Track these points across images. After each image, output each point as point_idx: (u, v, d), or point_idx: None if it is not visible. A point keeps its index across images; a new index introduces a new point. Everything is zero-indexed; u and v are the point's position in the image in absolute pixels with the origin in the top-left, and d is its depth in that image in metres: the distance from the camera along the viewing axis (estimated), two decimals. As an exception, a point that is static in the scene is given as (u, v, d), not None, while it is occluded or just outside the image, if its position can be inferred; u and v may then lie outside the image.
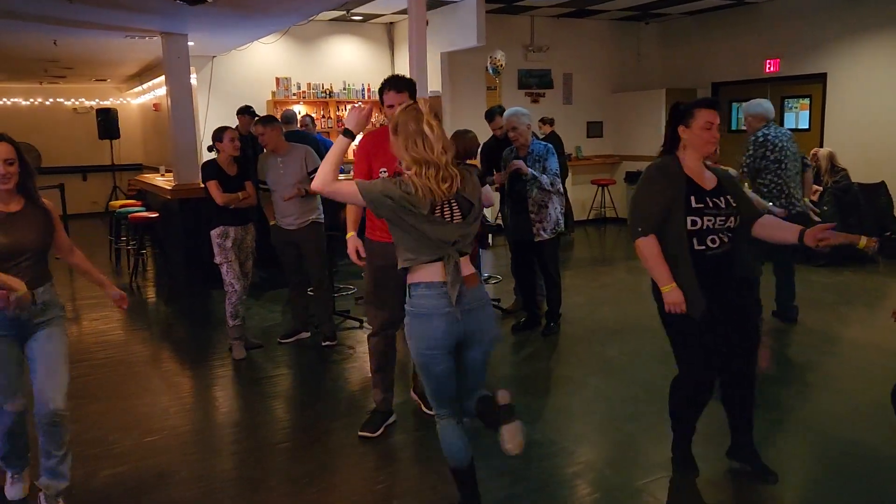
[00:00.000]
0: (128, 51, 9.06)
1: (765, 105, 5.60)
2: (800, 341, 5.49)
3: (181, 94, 7.98)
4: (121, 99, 14.95)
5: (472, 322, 2.74)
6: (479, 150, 6.28)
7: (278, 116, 7.74)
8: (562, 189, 5.62)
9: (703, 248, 3.11)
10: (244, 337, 5.46)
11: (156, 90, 13.08)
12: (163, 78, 11.65)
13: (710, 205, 3.11)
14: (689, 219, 3.08)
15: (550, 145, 5.60)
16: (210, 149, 5.55)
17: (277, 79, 10.38)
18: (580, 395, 4.50)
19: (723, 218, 3.13)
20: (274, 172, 5.40)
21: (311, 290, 5.80)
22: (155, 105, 12.46)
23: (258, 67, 10.35)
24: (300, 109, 10.48)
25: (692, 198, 3.10)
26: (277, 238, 5.58)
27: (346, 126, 3.00)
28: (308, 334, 5.78)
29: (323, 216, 5.57)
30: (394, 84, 3.62)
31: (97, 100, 14.63)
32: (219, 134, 5.24)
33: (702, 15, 11.01)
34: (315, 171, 5.42)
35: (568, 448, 3.75)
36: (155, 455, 3.75)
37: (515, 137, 5.51)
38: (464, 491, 3.00)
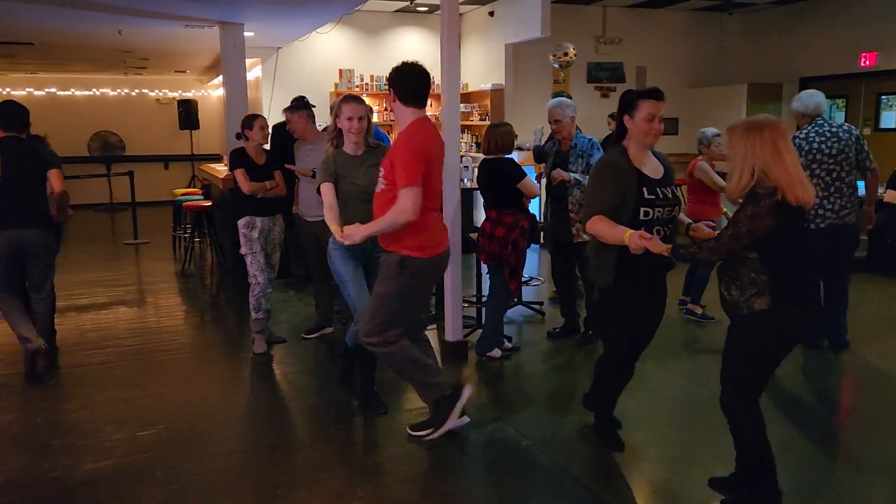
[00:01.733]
0: (192, 41, 9.16)
1: (804, 100, 4.95)
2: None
3: (236, 84, 7.98)
4: (202, 91, 15.34)
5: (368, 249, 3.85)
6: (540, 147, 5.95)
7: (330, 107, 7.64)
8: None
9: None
10: (266, 331, 5.33)
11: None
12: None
13: (660, 195, 3.18)
14: (641, 209, 3.14)
15: (595, 140, 5.20)
16: (238, 136, 5.45)
17: (340, 70, 10.30)
18: (618, 416, 4.07)
19: (669, 208, 3.22)
20: (302, 160, 5.31)
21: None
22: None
23: (322, 59, 10.30)
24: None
25: (644, 189, 3.15)
26: (301, 229, 5.47)
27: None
28: (331, 329, 5.61)
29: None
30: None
31: (179, 91, 15.06)
32: (248, 121, 5.13)
33: (790, 5, 10.21)
34: None
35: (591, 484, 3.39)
36: (141, 451, 3.64)
37: (558, 130, 5.15)
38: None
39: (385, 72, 10.80)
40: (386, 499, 3.18)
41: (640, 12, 10.66)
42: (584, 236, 5.13)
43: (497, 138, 4.87)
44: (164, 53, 10.74)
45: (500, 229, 4.77)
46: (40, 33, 8.79)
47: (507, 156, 4.92)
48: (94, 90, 14.64)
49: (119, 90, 14.79)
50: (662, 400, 4.31)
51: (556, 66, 9.24)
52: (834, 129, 4.83)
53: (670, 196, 3.22)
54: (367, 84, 10.41)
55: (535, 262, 8.20)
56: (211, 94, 15.24)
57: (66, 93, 14.43)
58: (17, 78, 14.10)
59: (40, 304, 4.97)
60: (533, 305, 6.18)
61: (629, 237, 2.99)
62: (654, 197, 3.15)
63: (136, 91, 14.91)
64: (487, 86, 9.95)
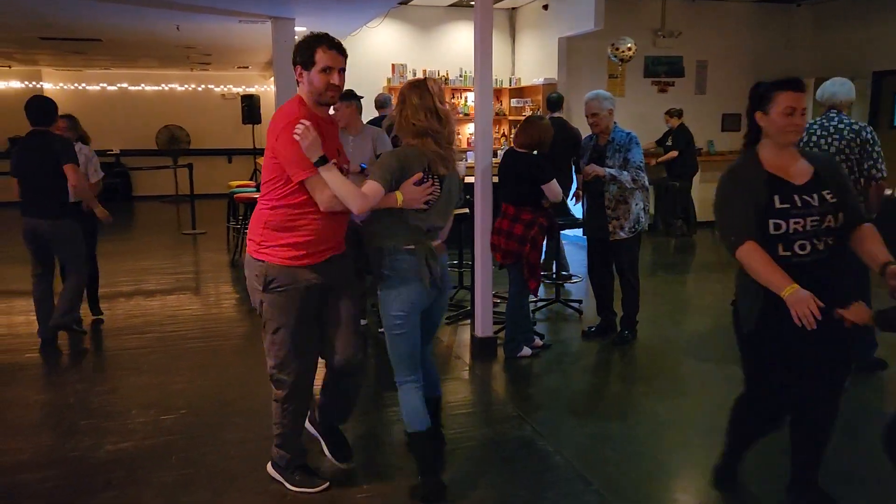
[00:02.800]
0: (247, 37, 9.34)
1: (822, 87, 4.44)
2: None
3: (287, 79, 8.10)
4: (265, 86, 15.67)
5: (441, 286, 3.08)
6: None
7: (374, 101, 7.67)
8: (646, 184, 5.04)
9: (789, 254, 2.62)
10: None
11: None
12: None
13: (799, 203, 2.62)
14: (771, 222, 2.61)
15: (634, 134, 5.03)
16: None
17: (393, 65, 10.34)
18: (636, 422, 3.95)
19: (816, 218, 2.61)
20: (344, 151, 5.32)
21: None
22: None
23: (375, 54, 10.36)
24: (415, 96, 10.38)
25: (776, 197, 2.62)
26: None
27: (317, 156, 2.75)
28: (365, 322, 5.62)
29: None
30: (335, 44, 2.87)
31: (243, 87, 15.42)
32: None
33: (865, -5, 9.69)
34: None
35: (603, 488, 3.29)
36: (161, 435, 3.72)
37: (595, 123, 5.01)
38: (422, 461, 3.11)
39: (439, 67, 10.80)
40: (389, 493, 3.15)
41: (702, 4, 10.31)
42: (621, 234, 4.99)
43: (541, 132, 4.74)
44: (224, 49, 11.00)
45: (518, 226, 4.66)
46: (106, 30, 9.13)
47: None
48: (163, 85, 15.14)
49: (186, 85, 15.25)
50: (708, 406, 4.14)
51: (615, 60, 9.03)
52: (840, 126, 4.28)
53: (815, 203, 2.61)
54: (419, 79, 10.41)
55: (577, 259, 8.04)
56: (272, 89, 15.53)
57: (137, 88, 14.96)
58: (93, 74, 14.71)
59: (67, 283, 5.28)
60: (571, 303, 6.05)
61: (791, 295, 2.48)
62: (788, 206, 2.61)
63: (203, 86, 15.35)
64: (540, 80, 9.82)
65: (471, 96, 10.67)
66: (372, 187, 2.78)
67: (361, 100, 7.21)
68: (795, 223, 2.61)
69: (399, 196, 2.83)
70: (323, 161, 2.74)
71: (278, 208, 2.87)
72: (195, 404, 4.13)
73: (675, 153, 9.31)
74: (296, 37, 9.08)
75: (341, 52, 2.84)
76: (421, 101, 2.90)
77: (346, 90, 7.43)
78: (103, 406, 4.11)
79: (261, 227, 2.92)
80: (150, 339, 5.38)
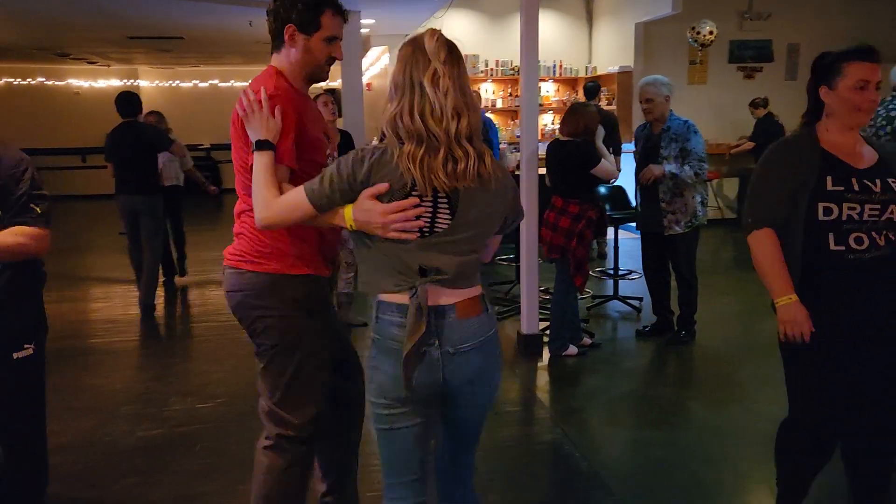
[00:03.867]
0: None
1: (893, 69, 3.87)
2: None
3: (352, 71, 8.15)
4: (345, 80, 15.91)
5: (460, 369, 1.83)
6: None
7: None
8: (704, 175, 4.74)
9: (843, 248, 2.27)
10: (347, 315, 5.41)
11: (371, 70, 13.71)
12: (373, 57, 12.21)
13: (857, 187, 2.27)
14: (821, 206, 2.27)
15: (692, 122, 4.74)
16: None
17: (465, 56, 10.20)
18: (679, 430, 3.73)
19: (876, 207, 2.26)
20: None
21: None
22: (368, 84, 13.02)
23: (447, 45, 10.26)
24: (487, 87, 10.26)
25: (829, 178, 2.28)
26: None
27: (256, 138, 2.00)
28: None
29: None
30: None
31: (328, 81, 15.71)
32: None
33: (981, -34, 8.80)
34: None
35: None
36: (192, 423, 3.79)
37: (650, 110, 4.76)
38: None
39: (511, 56, 10.60)
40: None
41: (794, -17, 9.65)
42: (676, 229, 4.72)
43: (587, 119, 4.54)
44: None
45: (565, 219, 4.47)
46: (186, 28, 9.47)
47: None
48: (250, 80, 15.61)
49: (273, 80, 15.68)
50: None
51: (695, 45, 8.61)
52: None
53: (877, 189, 2.26)
54: (492, 70, 10.25)
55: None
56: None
57: (227, 84, 15.50)
58: (186, 71, 15.36)
59: (145, 265, 5.92)
60: (629, 301, 5.78)
61: (784, 307, 2.29)
62: (842, 188, 2.26)
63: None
64: (615, 68, 9.47)
65: (544, 86, 10.43)
66: (290, 195, 1.86)
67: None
68: (850, 209, 2.25)
69: (348, 214, 1.80)
70: (263, 146, 1.97)
71: None
72: (232, 394, 4.19)
73: (751, 144, 8.91)
74: (362, 30, 9.15)
75: (345, 19, 2.29)
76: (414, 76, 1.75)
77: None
78: (146, 392, 4.24)
79: (283, 237, 2.19)
80: (205, 329, 5.52)
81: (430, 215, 1.77)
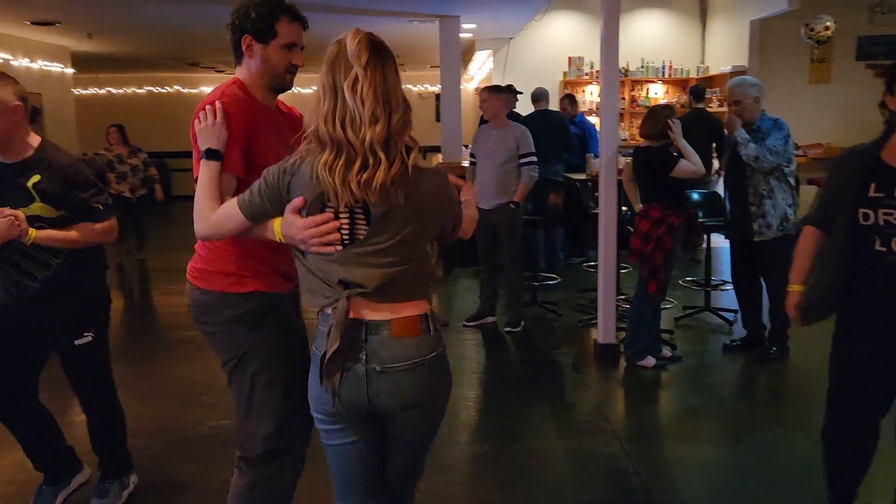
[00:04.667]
0: (420, 36, 9.62)
1: None
2: None
3: (451, 76, 8.24)
4: (462, 85, 16.07)
5: (387, 390, 1.76)
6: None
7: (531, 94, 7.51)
8: (791, 178, 4.44)
9: (885, 250, 2.32)
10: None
11: (478, 74, 13.80)
12: (479, 61, 12.28)
13: None
14: (860, 211, 2.35)
15: (781, 120, 4.45)
16: None
17: (570, 58, 10.05)
18: (748, 451, 3.50)
19: None
20: (484, 144, 5.34)
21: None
22: (476, 90, 13.13)
23: (551, 48, 10.14)
24: (592, 90, 10.06)
25: (872, 185, 2.33)
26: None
27: (206, 146, 1.95)
28: (494, 319, 5.54)
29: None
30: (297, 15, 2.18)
31: (439, 85, 15.93)
32: None
33: None
34: (527, 155, 5.16)
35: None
36: (260, 414, 3.94)
37: (738, 112, 4.51)
38: None
39: (620, 58, 10.40)
40: (440, 497, 3.06)
41: (935, -28, 8.81)
42: (768, 233, 4.43)
43: (665, 122, 4.37)
44: (409, 50, 11.43)
45: (644, 223, 4.31)
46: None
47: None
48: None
49: (387, 86, 16.09)
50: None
51: (810, 42, 8.05)
52: None
53: None
54: (597, 72, 10.02)
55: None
56: (467, 87, 15.89)
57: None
58: (307, 77, 15.98)
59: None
60: (722, 312, 5.47)
61: (793, 292, 2.53)
62: (882, 195, 2.30)
63: (403, 87, 16.08)
64: (728, 68, 9.00)
65: (653, 87, 10.09)
66: (224, 207, 1.85)
67: (520, 95, 7.20)
68: (887, 214, 2.29)
69: (276, 226, 1.79)
70: (211, 155, 1.94)
71: None
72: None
73: None
74: (465, 35, 9.21)
75: (304, 25, 2.20)
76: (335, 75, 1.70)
77: (507, 85, 7.48)
78: (211, 383, 4.44)
79: (231, 255, 2.12)
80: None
81: (347, 227, 1.72)
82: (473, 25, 8.88)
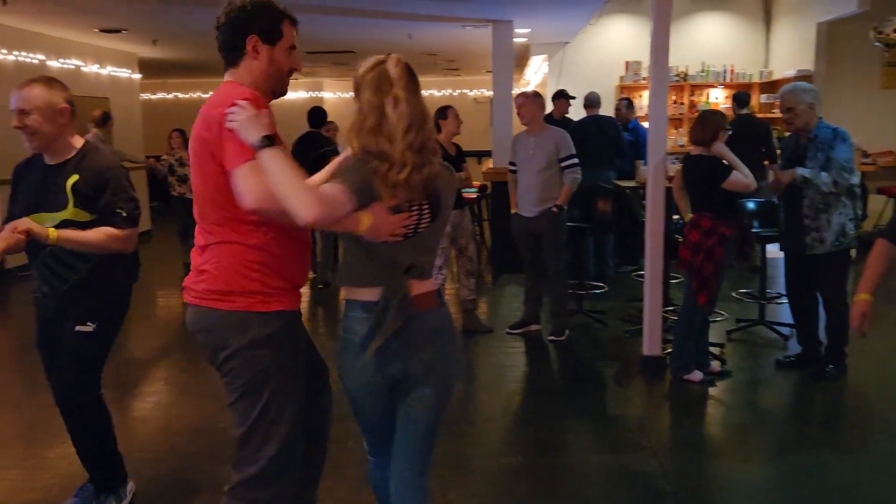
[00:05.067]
0: (478, 42, 9.59)
1: None
2: None
3: (503, 80, 8.20)
4: (516, 88, 15.99)
5: (413, 360, 1.99)
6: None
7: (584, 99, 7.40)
8: (856, 189, 4.23)
9: None
10: (472, 322, 5.45)
11: (535, 79, 13.69)
12: (535, 66, 12.19)
13: None
14: None
15: (842, 129, 4.24)
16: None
17: (627, 63, 9.87)
18: (790, 473, 3.35)
19: None
20: (524, 152, 5.27)
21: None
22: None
23: (608, 52, 9.98)
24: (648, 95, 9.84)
25: None
26: (516, 226, 5.40)
27: (260, 135, 1.86)
28: (538, 327, 5.47)
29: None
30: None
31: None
32: (443, 112, 5.26)
33: None
34: (568, 158, 5.08)
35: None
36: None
37: (791, 120, 4.33)
38: None
39: (677, 62, 10.16)
40: (470, 508, 3.03)
41: None
42: (821, 248, 4.24)
43: (714, 127, 4.23)
44: (463, 54, 11.44)
45: (695, 233, 4.17)
46: (356, 42, 10.01)
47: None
48: (424, 91, 16.17)
49: (444, 91, 16.14)
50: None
51: (879, 45, 7.70)
52: None
53: None
54: (655, 76, 9.81)
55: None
56: (520, 91, 15.82)
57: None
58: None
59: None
60: (777, 326, 5.27)
61: (857, 301, 2.50)
62: None
63: (458, 91, 16.15)
64: (792, 72, 8.69)
65: (713, 92, 9.82)
66: (334, 191, 1.82)
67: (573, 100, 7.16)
68: None
69: (366, 220, 1.87)
70: (269, 142, 1.86)
71: (267, 233, 2.06)
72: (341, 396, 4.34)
73: None
74: (520, 40, 9.14)
75: (297, 32, 2.18)
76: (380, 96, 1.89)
77: (559, 90, 7.39)
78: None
79: (254, 272, 2.07)
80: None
81: (415, 220, 1.96)
82: (527, 30, 8.83)
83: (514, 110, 5.57)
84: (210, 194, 2.04)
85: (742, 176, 4.13)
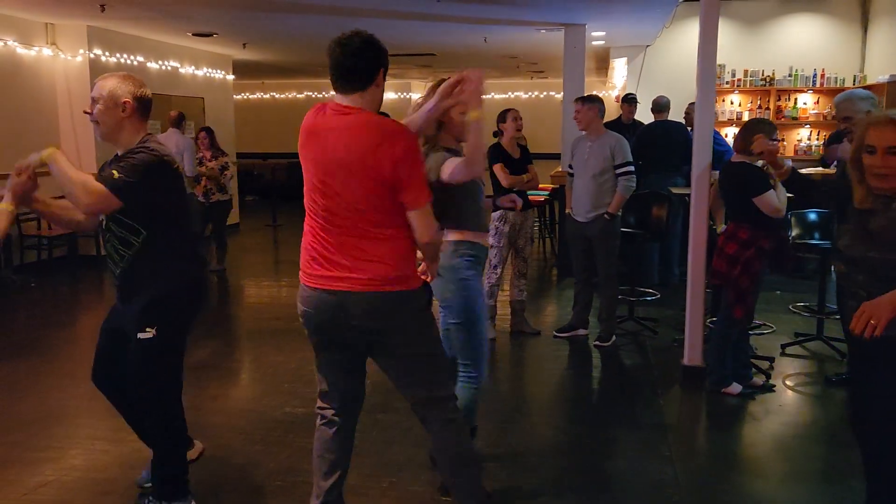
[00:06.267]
0: (554, 45, 9.58)
1: None
2: None
3: (574, 83, 8.17)
4: (603, 91, 15.79)
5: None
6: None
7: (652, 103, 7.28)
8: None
9: None
10: (521, 324, 5.51)
11: (621, 83, 13.47)
12: (619, 70, 12.01)
13: None
14: None
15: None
16: (494, 134, 5.62)
17: (709, 66, 9.59)
18: (810, 495, 3.26)
19: None
20: (580, 156, 5.30)
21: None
22: (616, 98, 12.86)
23: (689, 55, 9.68)
24: (733, 99, 9.56)
25: None
26: (569, 229, 5.43)
27: (474, 112, 2.59)
28: (585, 332, 5.45)
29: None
30: None
31: (593, 92, 15.84)
32: (502, 115, 5.32)
33: None
34: (624, 164, 5.07)
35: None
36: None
37: (849, 129, 4.15)
38: None
39: (762, 66, 9.84)
40: None
41: None
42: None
43: (753, 133, 4.12)
44: (547, 57, 11.42)
45: (732, 244, 4.07)
46: (434, 45, 10.21)
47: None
48: (510, 93, 16.26)
49: (531, 93, 16.17)
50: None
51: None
52: None
53: None
54: (738, 80, 9.50)
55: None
56: (610, 95, 15.58)
57: (487, 96, 16.30)
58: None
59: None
60: (835, 342, 5.04)
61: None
62: None
63: (545, 93, 16.11)
64: (885, 77, 8.21)
65: (801, 97, 9.40)
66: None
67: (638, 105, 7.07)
68: None
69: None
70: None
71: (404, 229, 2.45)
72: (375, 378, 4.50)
73: None
74: (592, 42, 9.07)
75: None
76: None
77: (627, 93, 7.34)
78: (309, 374, 4.68)
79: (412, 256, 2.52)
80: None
81: None
82: (602, 33, 8.74)
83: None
84: (370, 200, 2.36)
85: (775, 199, 3.97)
